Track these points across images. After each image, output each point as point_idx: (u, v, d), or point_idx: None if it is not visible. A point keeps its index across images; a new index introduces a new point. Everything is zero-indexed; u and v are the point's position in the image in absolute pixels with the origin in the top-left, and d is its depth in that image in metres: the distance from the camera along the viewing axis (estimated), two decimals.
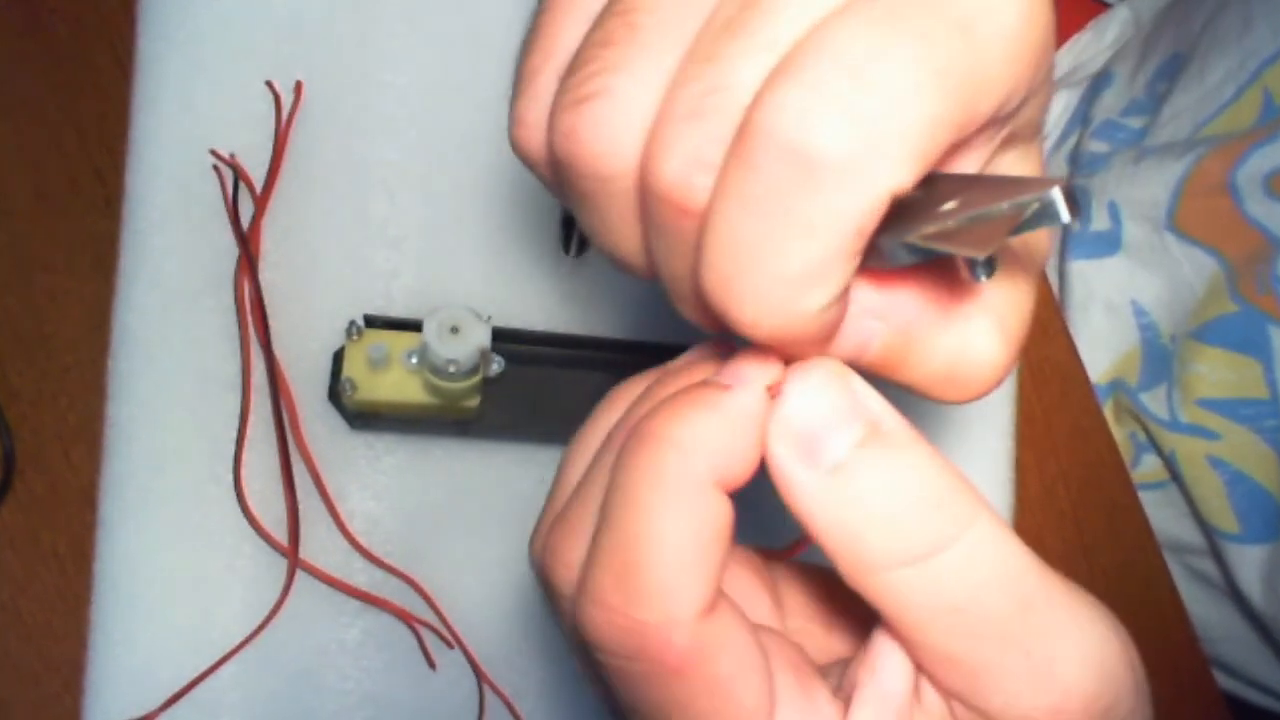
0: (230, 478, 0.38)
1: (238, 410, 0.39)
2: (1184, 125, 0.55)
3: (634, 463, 0.19)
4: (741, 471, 0.19)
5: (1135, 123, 0.60)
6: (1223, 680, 0.59)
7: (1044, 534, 0.47)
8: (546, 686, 0.40)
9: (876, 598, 0.19)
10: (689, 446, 0.19)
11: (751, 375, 0.19)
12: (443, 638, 0.39)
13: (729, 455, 0.19)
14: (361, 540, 0.39)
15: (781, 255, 0.17)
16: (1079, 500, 0.47)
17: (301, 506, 0.39)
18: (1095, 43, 0.71)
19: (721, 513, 0.19)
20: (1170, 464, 0.53)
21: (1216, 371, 0.50)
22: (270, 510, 0.39)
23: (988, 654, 0.19)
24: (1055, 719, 0.19)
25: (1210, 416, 0.51)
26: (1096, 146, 0.61)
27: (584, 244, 0.42)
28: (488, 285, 0.41)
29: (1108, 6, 0.73)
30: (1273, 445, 0.49)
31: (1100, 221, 0.57)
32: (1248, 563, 0.51)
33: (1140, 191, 0.55)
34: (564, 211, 0.42)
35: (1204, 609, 0.56)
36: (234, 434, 0.39)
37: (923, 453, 0.19)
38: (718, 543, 0.19)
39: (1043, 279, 0.48)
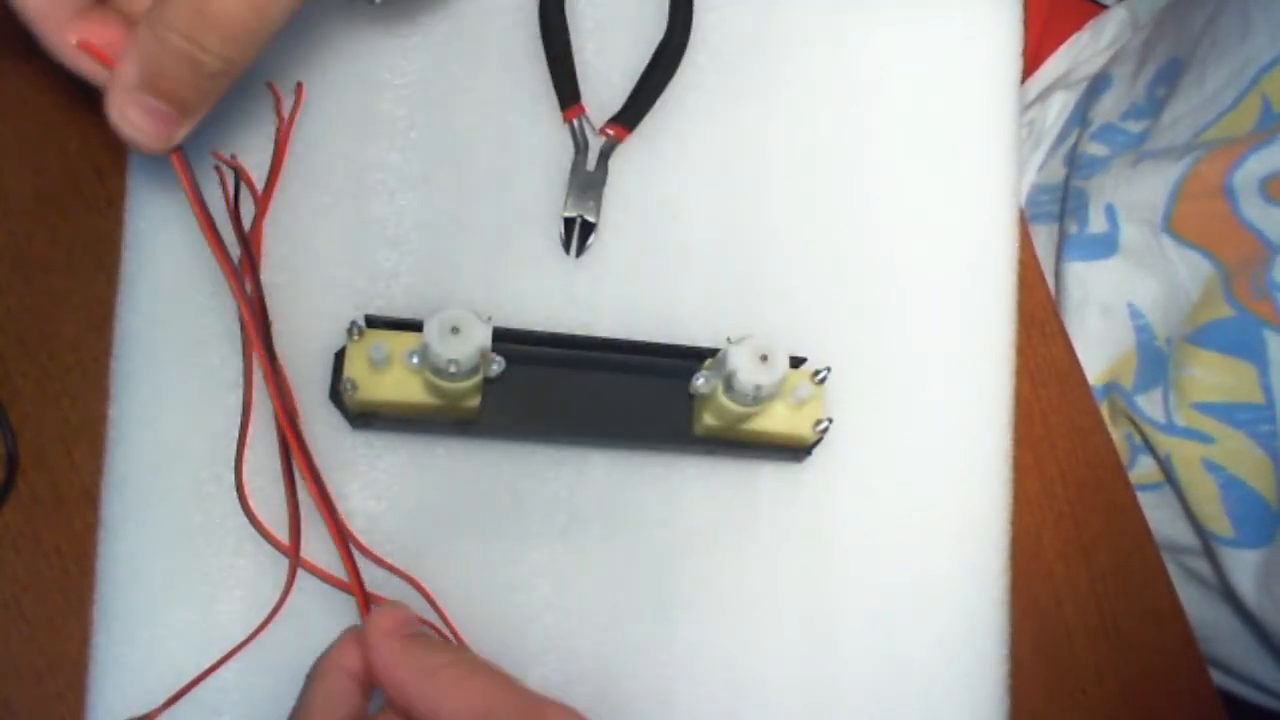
0: (230, 477, 0.38)
1: (238, 410, 0.39)
2: (1183, 131, 0.56)
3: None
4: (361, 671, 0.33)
5: (1134, 127, 0.60)
6: (1219, 678, 0.59)
7: (1042, 534, 0.47)
8: (547, 685, 0.40)
9: (427, 691, 0.32)
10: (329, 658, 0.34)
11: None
12: (443, 636, 0.39)
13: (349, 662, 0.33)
14: (361, 540, 0.39)
15: None
16: (1077, 500, 0.48)
17: (302, 506, 0.39)
18: (1093, 44, 0.72)
19: (343, 687, 0.33)
20: (1165, 466, 0.53)
21: (1212, 375, 0.51)
22: (270, 510, 0.39)
23: None
24: None
25: (1205, 420, 0.51)
26: (1095, 149, 0.61)
27: (584, 244, 0.42)
28: (488, 285, 0.41)
29: (1105, 8, 0.73)
30: (1267, 450, 0.49)
31: (1097, 224, 0.57)
32: (1242, 566, 0.51)
33: (1138, 194, 0.55)
34: (564, 211, 0.42)
35: (1200, 609, 0.56)
36: (234, 434, 0.39)
37: (435, 639, 0.35)
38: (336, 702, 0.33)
39: (1040, 280, 0.48)
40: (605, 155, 0.42)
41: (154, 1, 0.28)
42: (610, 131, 0.42)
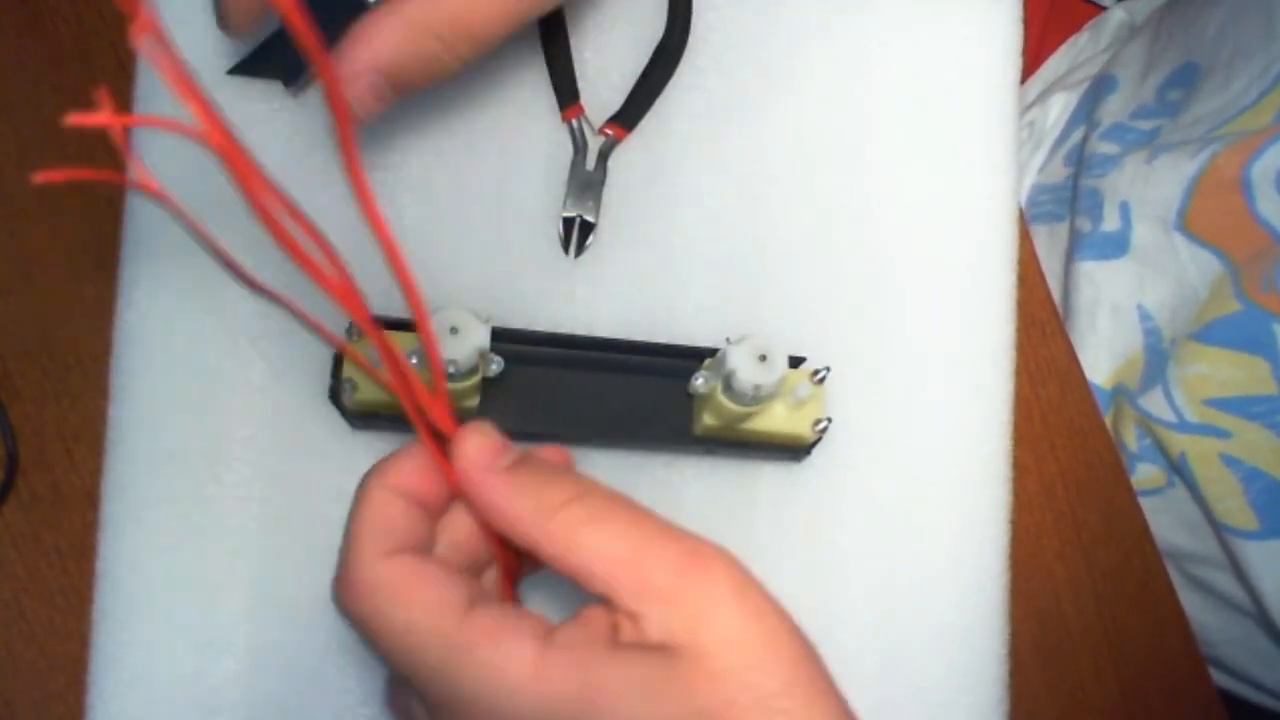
0: (230, 477, 0.39)
1: (238, 410, 0.39)
2: (1201, 129, 0.55)
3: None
4: (425, 488, 0.29)
5: (1145, 125, 0.60)
6: (1219, 678, 0.59)
7: (1042, 534, 0.47)
8: None
9: (550, 536, 0.27)
10: (382, 470, 0.29)
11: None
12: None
13: (410, 475, 0.29)
14: None
15: None
16: (1077, 500, 0.47)
17: (302, 506, 0.39)
18: (1092, 44, 0.72)
19: (399, 510, 0.28)
20: (1179, 468, 0.53)
21: (1220, 371, 0.50)
22: (270, 510, 0.39)
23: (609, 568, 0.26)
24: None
25: (1220, 415, 0.51)
26: (1107, 148, 0.60)
27: (583, 244, 0.42)
28: (488, 285, 0.41)
29: (1104, 9, 0.73)
30: None
31: (1111, 222, 0.57)
32: (1269, 558, 0.51)
33: (1153, 190, 0.55)
34: (564, 211, 0.42)
35: (1202, 614, 0.56)
36: (234, 434, 0.39)
37: (545, 464, 0.29)
38: (392, 528, 0.28)
39: (1040, 280, 0.48)
40: (604, 155, 0.42)
41: None
42: (609, 131, 0.42)
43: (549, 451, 0.31)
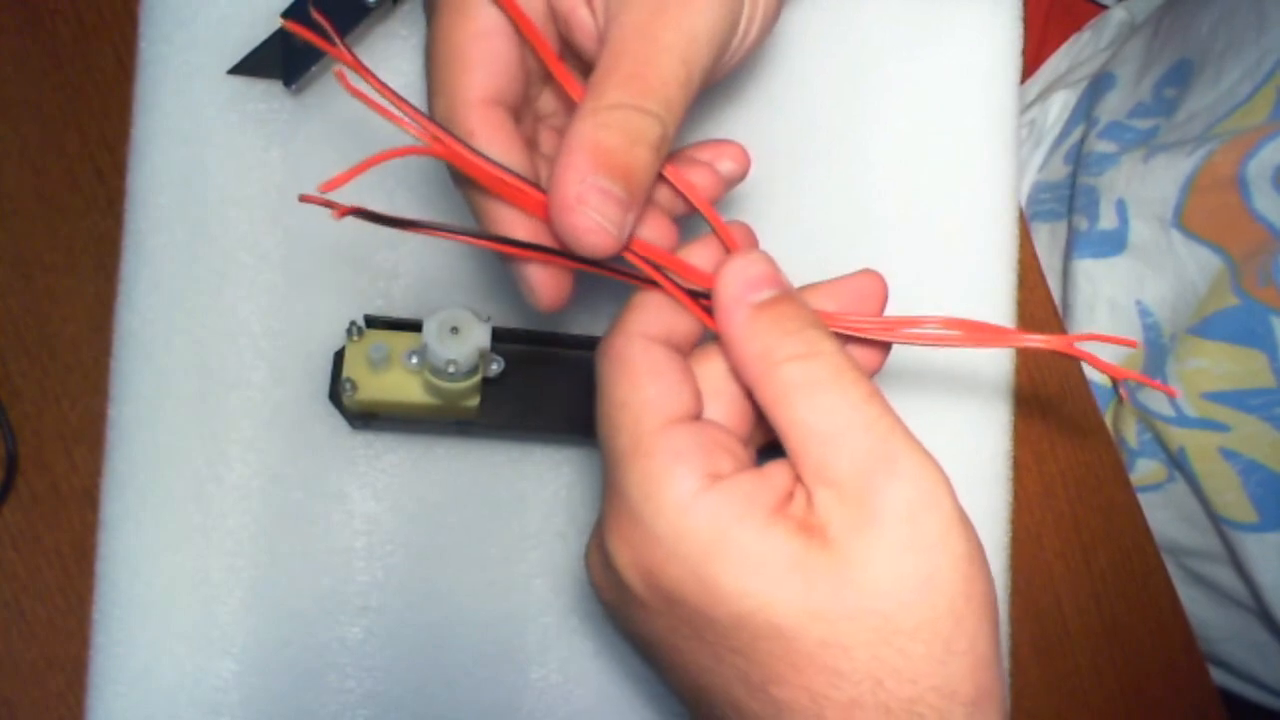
0: (230, 477, 0.39)
1: (238, 410, 0.39)
2: (1196, 126, 0.55)
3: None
4: (682, 326, 0.29)
5: (1143, 124, 0.60)
6: (1219, 676, 0.59)
7: (1042, 533, 0.47)
8: (547, 685, 0.40)
9: (766, 386, 0.27)
10: (642, 307, 0.29)
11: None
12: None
13: (669, 315, 0.29)
14: (362, 540, 0.39)
15: None
16: (1077, 500, 0.48)
17: (302, 506, 0.39)
18: (1093, 43, 0.71)
19: (664, 353, 0.28)
20: (1178, 462, 0.53)
21: (1220, 365, 0.50)
22: (271, 510, 0.39)
23: (832, 430, 0.26)
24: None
25: (1219, 409, 0.51)
26: (1104, 147, 0.61)
27: None
28: (488, 285, 0.41)
29: (1104, 8, 0.73)
30: None
31: (1108, 220, 0.57)
32: (1268, 551, 0.51)
33: (1149, 189, 0.55)
34: None
35: (1202, 610, 0.56)
36: (234, 434, 0.39)
37: (807, 307, 0.28)
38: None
39: (1040, 280, 0.48)
40: None
41: (588, 94, 0.28)
42: None
43: (735, 229, 0.31)
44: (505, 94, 0.30)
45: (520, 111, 0.31)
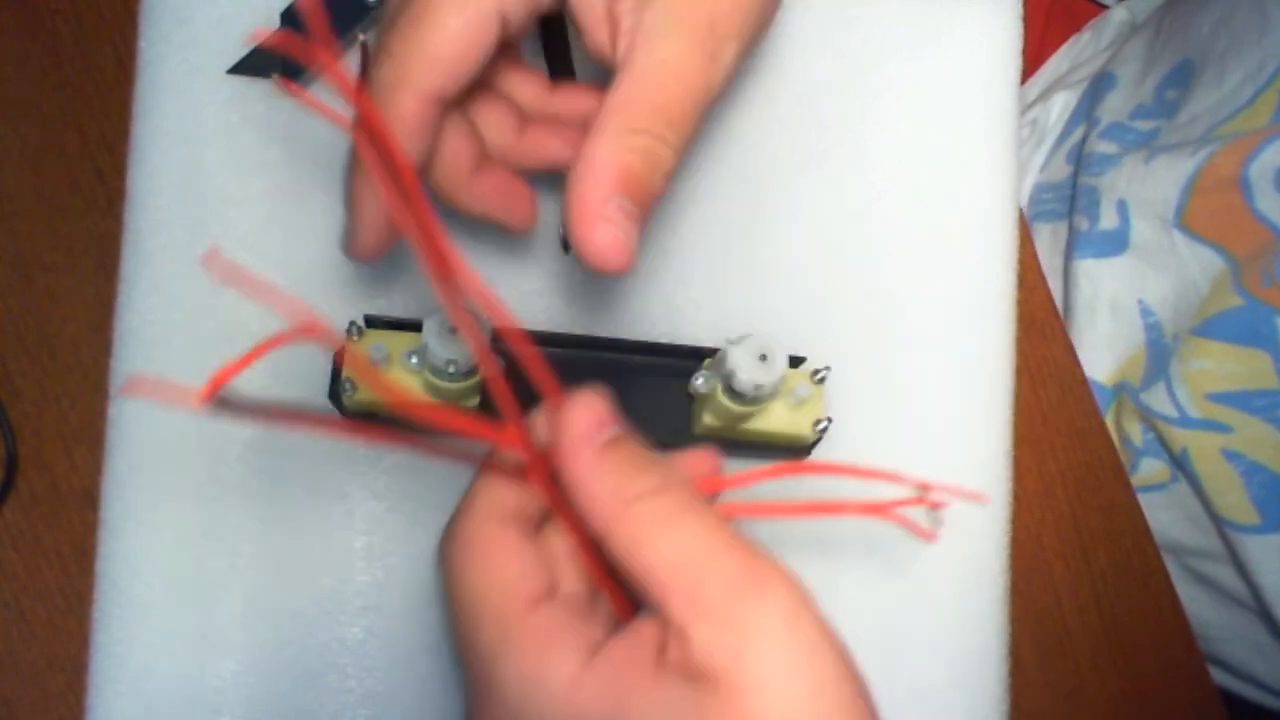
0: (230, 477, 0.39)
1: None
2: (1198, 128, 0.55)
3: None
4: (525, 502, 0.29)
5: (1144, 125, 0.60)
6: (1220, 677, 0.59)
7: (1042, 533, 0.47)
8: None
9: (621, 526, 0.26)
10: (486, 489, 0.29)
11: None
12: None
13: (514, 493, 0.29)
14: (362, 540, 0.39)
15: None
16: (1077, 500, 0.48)
17: (302, 506, 0.39)
18: (1094, 44, 0.72)
19: (515, 532, 0.28)
20: (1181, 462, 0.53)
21: (1222, 366, 0.50)
22: (270, 509, 0.39)
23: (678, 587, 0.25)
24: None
25: (1222, 410, 0.51)
26: (1105, 147, 0.61)
27: None
28: (488, 285, 0.41)
29: (1105, 8, 0.73)
30: None
31: (1109, 220, 0.57)
32: (1270, 552, 0.51)
33: (1151, 190, 0.55)
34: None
35: (1205, 610, 0.56)
36: (234, 434, 0.39)
37: (641, 450, 0.28)
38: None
39: (1041, 280, 0.48)
40: None
41: (614, 112, 0.29)
42: None
43: (699, 454, 0.32)
44: (457, 87, 0.31)
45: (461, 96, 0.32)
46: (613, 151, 0.29)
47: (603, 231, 0.28)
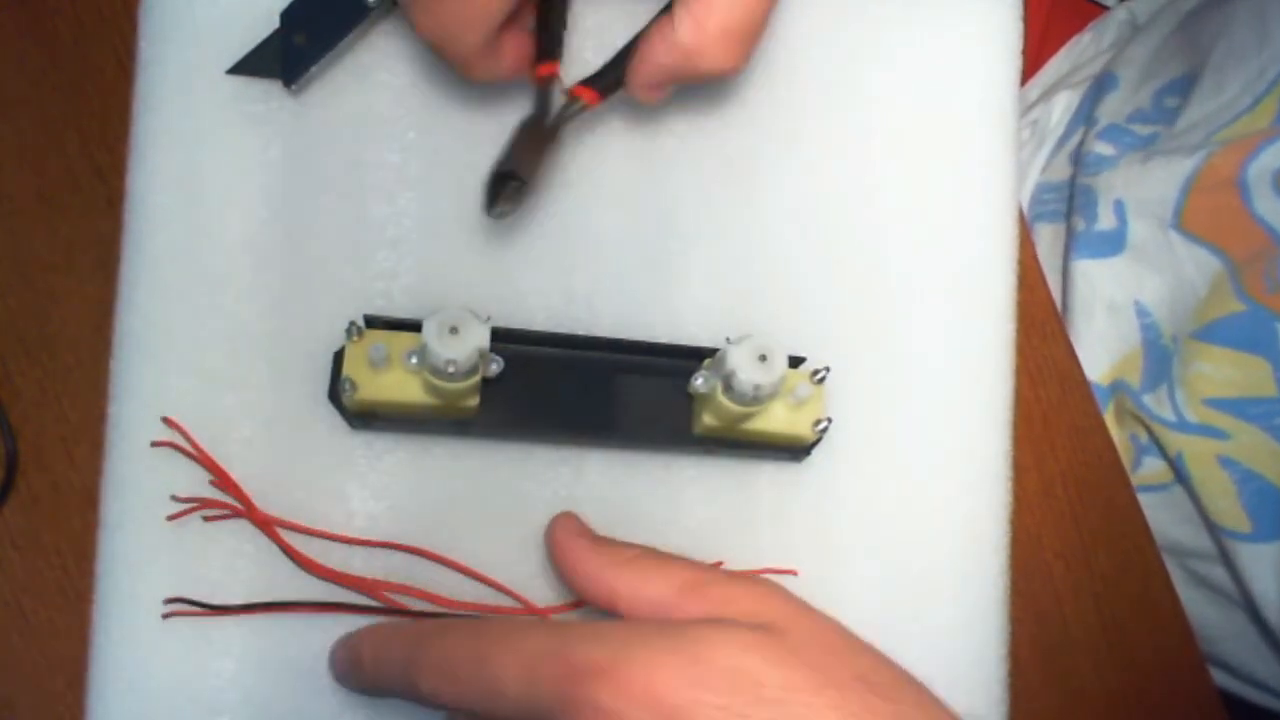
0: (230, 477, 0.39)
1: (238, 410, 0.39)
2: (1197, 133, 0.55)
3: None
4: None
5: (1142, 129, 0.60)
6: (1220, 677, 0.59)
7: (1042, 534, 0.47)
8: None
9: (617, 586, 0.34)
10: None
11: None
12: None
13: None
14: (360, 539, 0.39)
15: None
16: (1077, 500, 0.48)
17: (302, 506, 0.39)
18: (1095, 44, 0.71)
19: None
20: (1176, 466, 0.53)
21: (1221, 371, 0.50)
22: (270, 509, 0.39)
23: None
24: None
25: (1218, 416, 0.51)
26: (1103, 149, 0.61)
27: (512, 203, 0.38)
28: (487, 285, 0.41)
29: (1106, 9, 0.73)
30: None
31: (1106, 220, 0.57)
32: (1260, 561, 0.51)
33: (1148, 190, 0.55)
34: (498, 167, 0.38)
35: (1205, 611, 0.56)
36: (234, 434, 0.39)
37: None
38: None
39: (1041, 280, 0.48)
40: (566, 118, 0.38)
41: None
42: (578, 95, 0.38)
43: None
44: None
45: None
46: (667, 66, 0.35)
47: (653, 99, 0.37)
